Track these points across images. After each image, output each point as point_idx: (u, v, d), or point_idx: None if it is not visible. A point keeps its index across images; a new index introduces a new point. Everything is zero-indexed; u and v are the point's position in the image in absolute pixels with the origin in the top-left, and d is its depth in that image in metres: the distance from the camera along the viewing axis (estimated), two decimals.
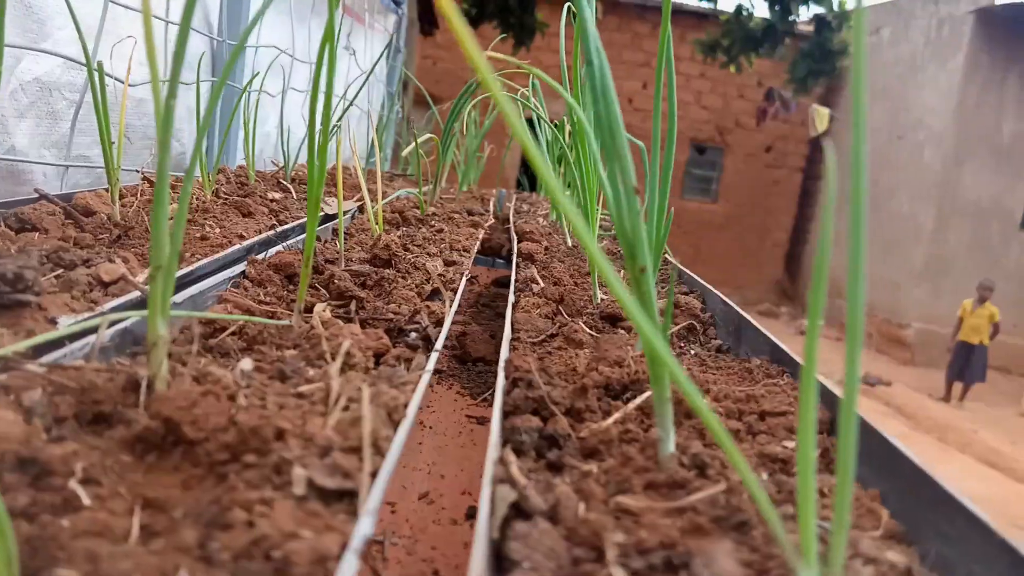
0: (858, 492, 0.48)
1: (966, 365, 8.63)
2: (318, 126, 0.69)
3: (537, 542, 0.41)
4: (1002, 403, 8.92)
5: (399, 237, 1.30)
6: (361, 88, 1.75)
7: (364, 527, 0.38)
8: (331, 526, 0.37)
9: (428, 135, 1.85)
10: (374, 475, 0.44)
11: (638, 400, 0.62)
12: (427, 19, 8.01)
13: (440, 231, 1.37)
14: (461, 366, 0.97)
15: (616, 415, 0.60)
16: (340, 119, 1.78)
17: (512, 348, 0.79)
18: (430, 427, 0.84)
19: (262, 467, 0.42)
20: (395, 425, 0.50)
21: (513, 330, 0.86)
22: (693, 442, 0.52)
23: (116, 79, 1.36)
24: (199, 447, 0.44)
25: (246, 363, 0.56)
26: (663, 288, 1.18)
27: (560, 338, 0.83)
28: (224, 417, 0.45)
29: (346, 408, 0.48)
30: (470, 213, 1.69)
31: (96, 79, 0.97)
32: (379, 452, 0.46)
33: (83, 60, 0.98)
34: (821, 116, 8.53)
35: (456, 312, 1.26)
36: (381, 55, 2.11)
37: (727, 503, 0.44)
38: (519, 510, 0.44)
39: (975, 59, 9.80)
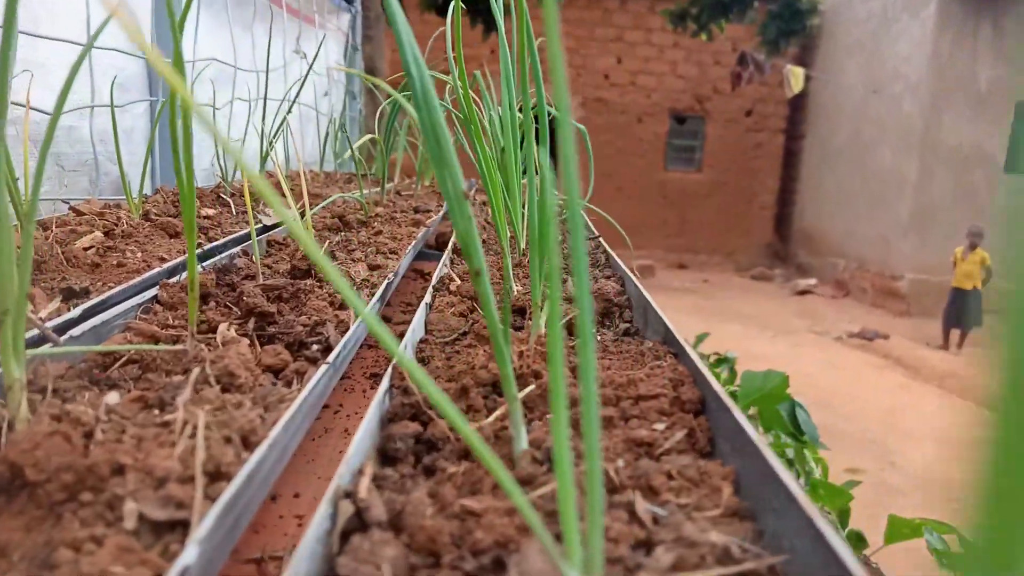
0: (710, 469, 0.49)
1: (962, 311, 8.65)
2: (180, 140, 0.68)
3: (370, 554, 0.41)
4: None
5: (337, 243, 1.31)
6: (298, 94, 1.74)
7: (188, 557, 0.38)
8: (145, 560, 0.38)
9: (369, 135, 1.85)
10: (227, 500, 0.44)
11: (520, 395, 0.62)
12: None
13: (379, 233, 1.37)
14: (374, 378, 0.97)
15: (497, 412, 0.61)
16: (281, 126, 1.77)
17: (419, 351, 0.80)
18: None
19: (96, 504, 0.43)
20: (253, 447, 0.50)
21: (426, 330, 0.87)
22: (552, 436, 0.52)
23: (42, 111, 1.36)
24: (40, 488, 0.44)
25: (112, 396, 0.56)
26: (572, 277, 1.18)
27: (471, 335, 0.83)
28: (68, 457, 0.45)
29: (192, 435, 0.49)
30: (416, 211, 1.68)
31: None
32: (224, 478, 0.46)
33: None
34: (796, 76, 8.50)
35: (386, 315, 1.27)
36: (305, 53, 2.10)
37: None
38: (364, 522, 0.44)
39: (947, 7, 9.75)
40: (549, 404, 0.63)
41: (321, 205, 1.31)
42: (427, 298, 0.92)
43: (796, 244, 13.20)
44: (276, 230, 1.34)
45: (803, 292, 11.45)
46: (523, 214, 1.17)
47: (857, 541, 1.98)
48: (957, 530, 1.69)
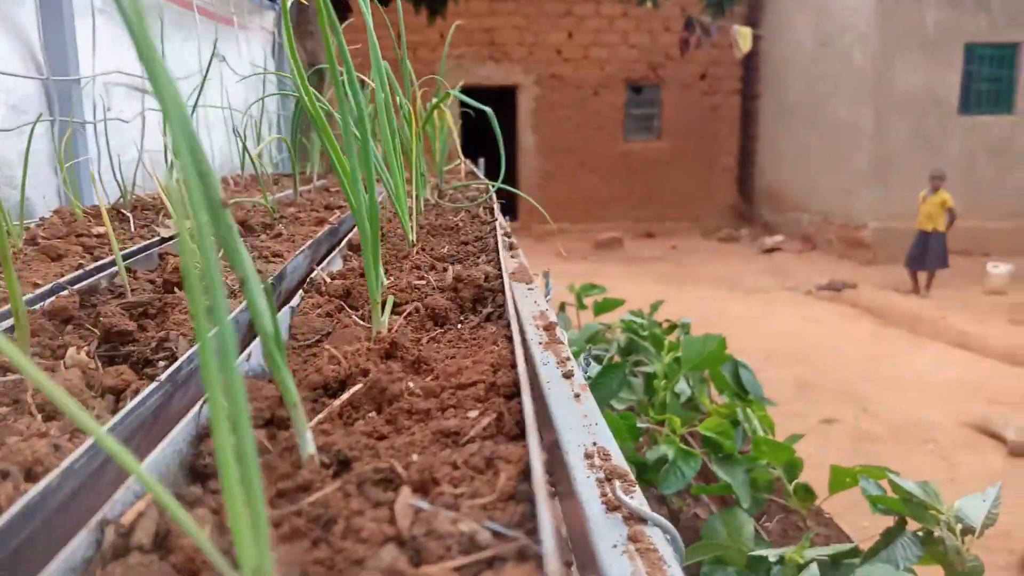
0: (506, 454, 0.49)
1: (924, 253, 8.74)
2: None
3: None
4: (966, 285, 9.09)
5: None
6: (197, 100, 1.71)
7: None
8: None
9: (276, 136, 1.83)
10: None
11: (343, 397, 0.61)
12: (338, 5, 7.88)
13: (279, 235, 1.35)
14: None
15: (319, 416, 0.60)
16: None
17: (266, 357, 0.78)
18: None
19: None
20: (38, 478, 0.49)
21: (291, 335, 0.85)
22: (347, 438, 0.52)
23: None
24: None
25: None
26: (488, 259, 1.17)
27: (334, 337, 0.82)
28: None
29: None
30: (328, 208, 1.66)
31: None
32: None
33: None
34: (744, 36, 8.51)
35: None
36: (224, 57, 2.06)
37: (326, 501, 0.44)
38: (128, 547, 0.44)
39: None
40: (372, 405, 0.62)
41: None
42: (294, 300, 0.91)
43: (760, 203, 13.29)
44: (172, 242, 1.32)
45: (770, 250, 11.54)
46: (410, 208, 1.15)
47: (805, 494, 2.01)
48: (889, 475, 1.72)
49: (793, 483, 1.98)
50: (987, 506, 1.64)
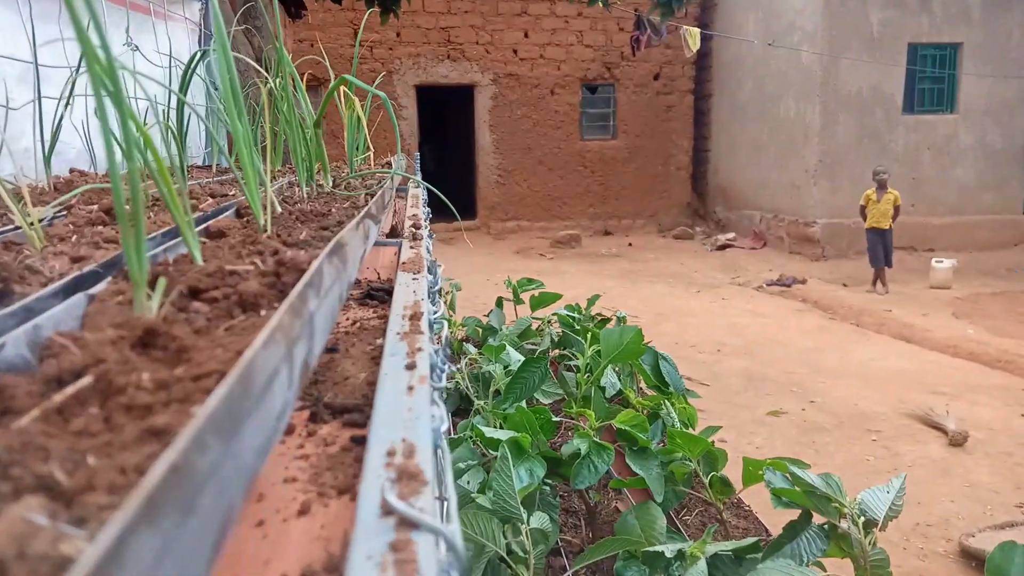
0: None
1: (885, 250, 8.80)
2: None
3: None
4: (912, 280, 9.28)
5: (89, 242, 1.21)
6: (72, 90, 1.63)
7: None
8: None
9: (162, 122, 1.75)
10: None
11: (67, 391, 0.56)
12: (293, 2, 7.75)
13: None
14: None
15: (32, 413, 0.55)
16: (58, 123, 1.66)
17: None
18: None
19: None
20: None
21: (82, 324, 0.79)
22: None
23: None
24: None
25: None
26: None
27: None
28: None
29: None
30: (214, 196, 1.60)
31: None
32: None
33: None
34: (693, 36, 8.58)
35: None
36: (137, 46, 1.98)
37: None
38: None
39: None
40: None
41: (57, 202, 1.22)
42: (97, 287, 0.84)
43: (713, 200, 13.44)
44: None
45: (723, 247, 11.67)
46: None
47: (722, 487, 1.99)
48: (791, 467, 1.70)
49: (710, 476, 1.96)
50: (890, 498, 1.63)
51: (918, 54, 10.41)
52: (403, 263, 1.22)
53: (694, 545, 1.48)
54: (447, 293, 3.65)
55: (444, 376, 0.75)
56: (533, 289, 3.59)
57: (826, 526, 1.64)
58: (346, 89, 2.15)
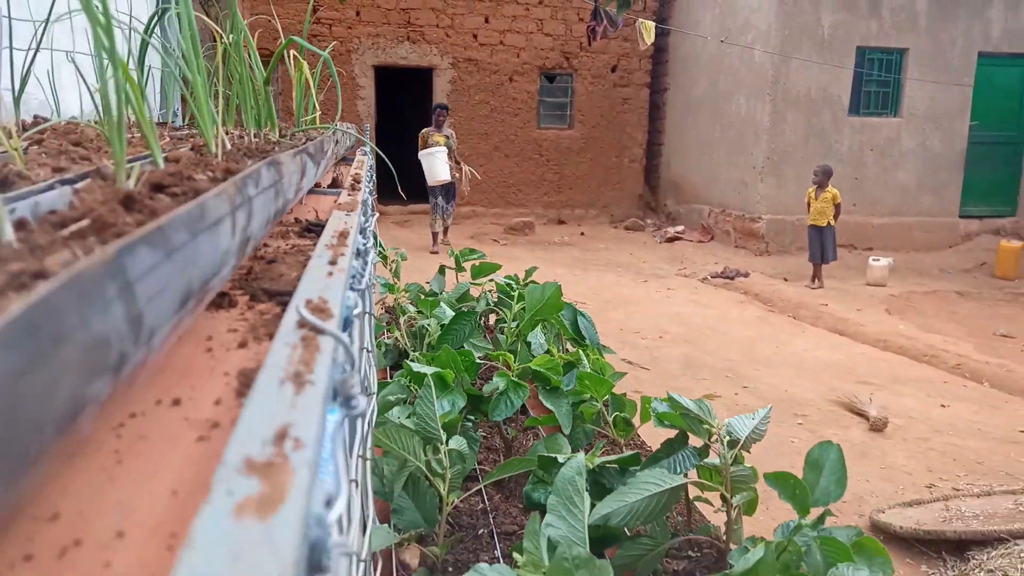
0: None
1: (823, 246, 9.06)
2: None
3: None
4: (851, 277, 9.62)
5: None
6: (41, 40, 1.65)
7: None
8: None
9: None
10: None
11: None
12: None
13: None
14: None
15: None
16: (26, 75, 1.67)
17: None
18: None
19: None
20: None
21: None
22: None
23: None
24: None
25: None
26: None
27: None
28: None
29: None
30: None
31: None
32: None
33: None
34: (648, 29, 8.72)
35: None
36: None
37: None
38: None
39: None
40: None
41: None
42: None
43: (665, 194, 13.68)
44: None
45: (672, 239, 11.91)
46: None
47: (625, 425, 2.18)
48: (671, 394, 1.89)
49: (613, 415, 2.14)
50: (754, 423, 1.83)
51: (865, 57, 10.75)
52: (339, 203, 1.36)
53: (586, 457, 1.65)
54: (392, 261, 3.72)
55: (364, 281, 0.86)
56: (475, 259, 3.69)
57: (699, 448, 1.86)
58: (297, 54, 2.21)
